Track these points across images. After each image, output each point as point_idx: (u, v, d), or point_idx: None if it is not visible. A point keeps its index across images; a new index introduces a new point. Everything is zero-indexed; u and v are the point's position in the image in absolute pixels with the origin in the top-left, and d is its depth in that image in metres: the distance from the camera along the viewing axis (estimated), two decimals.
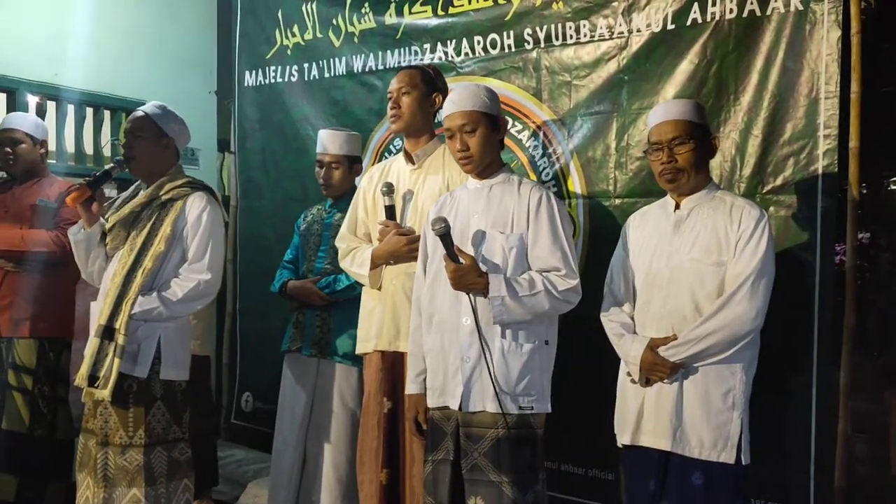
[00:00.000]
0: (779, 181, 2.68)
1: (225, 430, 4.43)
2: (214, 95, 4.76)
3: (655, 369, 2.32)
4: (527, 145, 3.20)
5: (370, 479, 2.75)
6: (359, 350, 2.87)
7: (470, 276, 2.34)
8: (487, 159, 2.47)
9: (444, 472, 2.39)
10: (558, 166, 3.11)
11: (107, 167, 2.81)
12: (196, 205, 2.78)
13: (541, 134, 3.16)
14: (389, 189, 2.75)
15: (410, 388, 2.57)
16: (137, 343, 2.67)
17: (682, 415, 2.29)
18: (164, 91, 4.38)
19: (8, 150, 3.36)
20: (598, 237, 3.01)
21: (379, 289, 2.78)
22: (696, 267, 2.32)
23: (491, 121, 2.45)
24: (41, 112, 3.97)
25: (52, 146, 4.01)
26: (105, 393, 2.61)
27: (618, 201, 2.97)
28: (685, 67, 2.84)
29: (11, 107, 3.84)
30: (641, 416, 2.38)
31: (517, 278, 2.36)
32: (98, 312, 2.70)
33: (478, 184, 2.51)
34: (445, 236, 2.37)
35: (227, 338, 4.47)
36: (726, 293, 2.25)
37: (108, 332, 2.64)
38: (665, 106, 2.46)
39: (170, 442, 2.76)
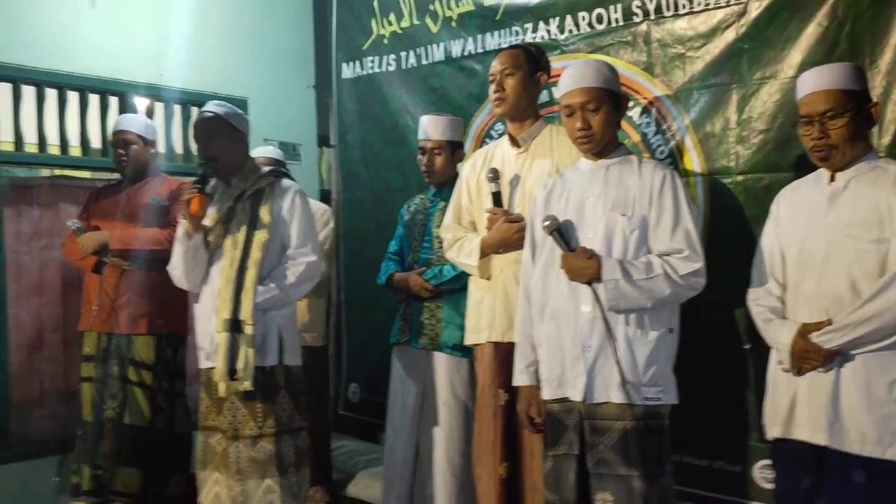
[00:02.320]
0: None
1: (332, 420, 4.46)
2: (313, 90, 4.77)
3: (808, 357, 2.14)
4: (638, 123, 3.05)
5: (489, 472, 2.68)
6: (469, 341, 2.81)
7: (579, 261, 2.23)
8: (608, 139, 2.36)
9: (568, 467, 2.29)
10: (674, 143, 2.95)
11: (200, 171, 2.87)
12: (286, 192, 2.86)
13: (653, 110, 3.00)
14: (495, 175, 2.66)
15: (520, 379, 2.47)
16: (261, 335, 2.74)
17: (840, 406, 2.10)
18: (263, 87, 4.44)
19: (121, 151, 3.45)
20: (720, 216, 2.83)
21: (488, 278, 2.70)
22: (854, 244, 2.11)
23: (614, 98, 2.34)
24: (149, 113, 4.07)
25: (161, 146, 4.11)
26: (248, 384, 2.72)
27: (740, 178, 2.78)
28: (812, 31, 2.62)
29: (122, 109, 3.94)
30: (794, 407, 2.20)
31: (633, 262, 2.23)
32: (211, 311, 2.74)
33: (593, 164, 2.39)
34: (558, 231, 2.28)
35: (332, 329, 4.48)
36: (890, 272, 2.04)
37: (234, 325, 2.70)
38: (816, 73, 2.23)
39: (294, 430, 2.85)
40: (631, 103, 3.04)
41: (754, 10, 2.74)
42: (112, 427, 3.31)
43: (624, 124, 3.04)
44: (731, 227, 2.78)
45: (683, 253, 2.23)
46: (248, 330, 2.70)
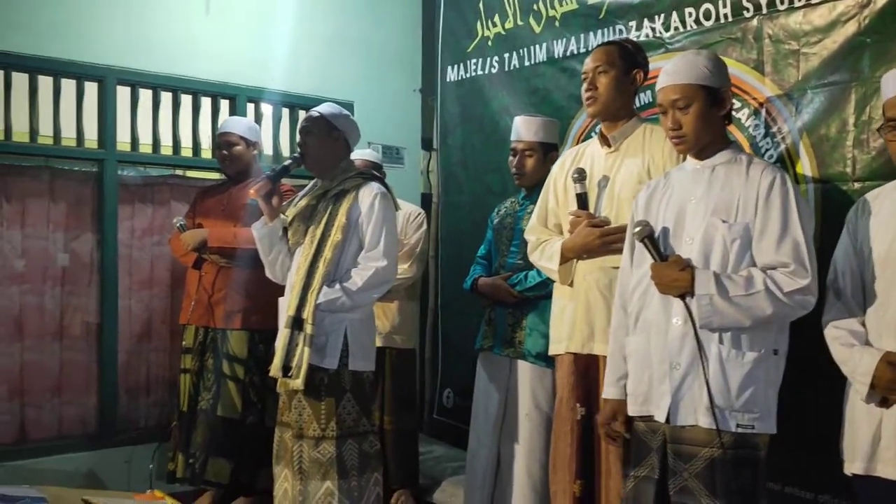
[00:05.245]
0: None
1: (427, 425, 4.43)
2: (419, 93, 4.78)
3: None
4: (747, 125, 2.83)
5: (563, 489, 2.56)
6: (551, 351, 2.69)
7: (670, 272, 2.05)
8: (705, 139, 2.16)
9: (648, 491, 2.12)
10: (784, 147, 2.72)
11: (285, 162, 2.96)
12: (368, 194, 2.82)
13: (763, 111, 2.78)
14: (581, 175, 2.53)
15: (609, 392, 2.30)
16: (325, 335, 2.73)
17: None
18: (371, 91, 4.48)
19: (224, 152, 3.57)
20: (834, 227, 2.55)
21: (570, 285, 2.57)
22: None
23: (710, 94, 2.13)
24: (258, 116, 4.18)
25: (268, 149, 4.22)
26: (298, 382, 2.68)
27: (857, 185, 2.52)
28: None
29: (233, 112, 4.07)
30: (878, 442, 1.95)
31: (731, 275, 2.02)
32: (285, 306, 2.76)
33: (697, 164, 2.20)
34: (649, 238, 2.11)
35: (429, 333, 4.46)
36: None
37: (296, 323, 2.72)
38: None
39: (360, 434, 2.79)
40: (738, 104, 2.83)
41: (881, 1, 2.49)
42: (205, 418, 3.41)
43: (731, 126, 2.84)
44: None
45: (790, 267, 2.00)
46: (309, 329, 2.68)
